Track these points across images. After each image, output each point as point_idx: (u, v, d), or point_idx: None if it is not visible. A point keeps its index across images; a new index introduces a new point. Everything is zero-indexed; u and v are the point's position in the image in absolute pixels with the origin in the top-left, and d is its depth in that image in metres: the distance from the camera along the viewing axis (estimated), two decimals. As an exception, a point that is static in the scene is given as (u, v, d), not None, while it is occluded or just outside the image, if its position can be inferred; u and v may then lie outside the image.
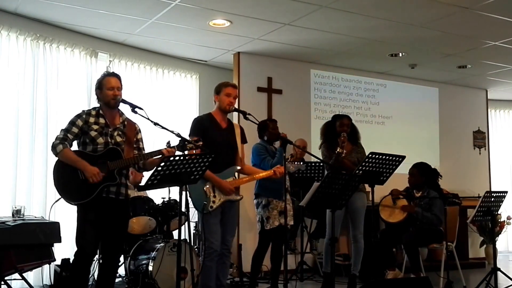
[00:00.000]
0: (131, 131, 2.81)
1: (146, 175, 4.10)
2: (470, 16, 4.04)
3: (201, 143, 2.72)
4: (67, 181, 2.63)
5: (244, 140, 3.25)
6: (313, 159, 4.32)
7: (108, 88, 2.74)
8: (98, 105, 2.82)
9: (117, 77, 2.81)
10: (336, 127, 3.91)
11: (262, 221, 3.62)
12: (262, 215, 3.62)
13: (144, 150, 2.88)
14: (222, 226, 3.07)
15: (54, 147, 2.65)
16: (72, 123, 2.71)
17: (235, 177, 3.15)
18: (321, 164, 4.27)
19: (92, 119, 2.73)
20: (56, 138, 2.68)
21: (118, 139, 2.74)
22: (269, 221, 3.58)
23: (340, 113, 4.30)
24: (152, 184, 2.54)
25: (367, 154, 3.34)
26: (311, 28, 4.38)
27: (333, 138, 3.87)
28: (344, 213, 3.82)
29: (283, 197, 3.53)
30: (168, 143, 2.76)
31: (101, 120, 2.74)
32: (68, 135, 2.68)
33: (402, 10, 3.98)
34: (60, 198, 2.73)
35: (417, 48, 4.95)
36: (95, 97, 2.83)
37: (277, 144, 3.78)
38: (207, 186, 2.98)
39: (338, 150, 3.68)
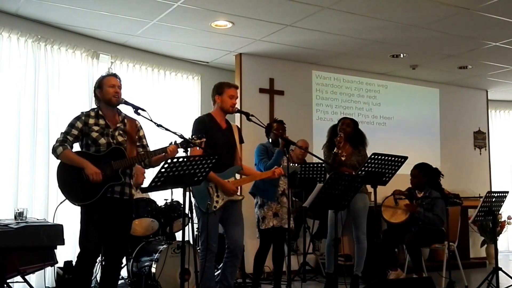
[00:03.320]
0: (132, 129, 2.81)
1: (148, 176, 4.11)
2: (470, 17, 4.05)
3: (204, 139, 2.73)
4: (71, 182, 2.64)
5: (241, 140, 3.26)
6: (315, 160, 4.33)
7: (109, 86, 2.74)
8: (96, 106, 2.81)
9: (117, 77, 2.83)
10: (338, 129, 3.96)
11: (258, 220, 3.64)
12: (258, 215, 3.64)
13: (148, 146, 2.88)
14: (230, 228, 3.07)
15: (54, 150, 2.66)
16: (72, 125, 2.71)
17: (235, 177, 3.15)
18: (323, 165, 4.29)
19: (92, 120, 2.73)
20: (56, 141, 2.68)
21: (120, 138, 2.74)
22: (265, 221, 3.59)
23: (344, 115, 4.34)
24: (156, 185, 2.54)
25: (369, 155, 3.35)
26: (313, 29, 4.38)
27: (334, 139, 3.91)
28: (346, 214, 3.83)
29: (276, 199, 3.57)
30: (171, 144, 2.76)
31: (101, 121, 2.74)
32: (68, 137, 2.68)
33: (403, 11, 3.99)
34: (64, 200, 2.73)
35: (418, 49, 4.96)
36: (94, 98, 2.82)
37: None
38: (211, 185, 2.98)
39: (335, 150, 3.72)
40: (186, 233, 3.13)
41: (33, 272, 3.38)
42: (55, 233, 3.07)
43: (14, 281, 3.29)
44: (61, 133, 2.72)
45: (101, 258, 3.02)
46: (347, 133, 3.89)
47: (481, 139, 6.56)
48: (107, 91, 2.74)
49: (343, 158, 3.72)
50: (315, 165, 4.50)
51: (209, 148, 2.92)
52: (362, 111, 5.75)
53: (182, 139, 2.72)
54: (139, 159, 2.74)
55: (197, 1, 3.77)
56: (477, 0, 3.74)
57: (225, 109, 3.13)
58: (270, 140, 3.82)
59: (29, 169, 4.00)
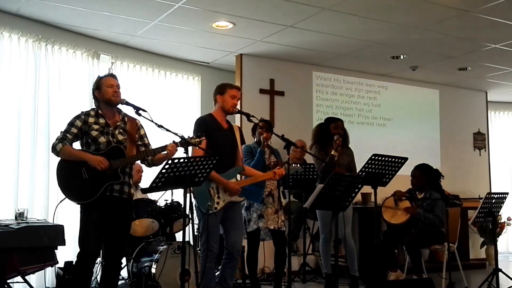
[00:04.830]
0: (132, 128, 2.81)
1: (149, 177, 4.11)
2: (470, 19, 4.06)
3: (203, 138, 2.73)
4: (71, 180, 2.64)
5: (243, 141, 3.25)
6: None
7: (107, 86, 2.75)
8: (95, 107, 2.82)
9: (114, 77, 2.84)
10: (330, 129, 3.99)
11: (245, 222, 3.58)
12: (245, 217, 3.58)
13: (150, 145, 2.87)
14: (230, 229, 3.06)
15: (54, 147, 2.66)
16: (71, 124, 2.72)
17: (237, 179, 3.14)
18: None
19: (91, 119, 2.73)
20: (56, 139, 2.69)
21: (120, 137, 2.74)
22: (250, 223, 3.56)
23: (334, 116, 4.38)
24: (156, 186, 2.54)
25: (370, 156, 3.36)
26: (313, 30, 4.39)
27: (326, 140, 3.94)
28: (332, 215, 3.82)
29: (262, 200, 3.52)
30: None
31: (101, 120, 2.74)
32: (68, 135, 2.69)
33: (403, 13, 4.00)
34: (64, 199, 2.73)
35: (418, 51, 4.97)
36: (93, 100, 2.83)
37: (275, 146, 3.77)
38: (212, 187, 2.98)
39: (332, 152, 3.76)
40: (187, 234, 3.13)
41: (33, 273, 3.39)
42: (55, 234, 3.07)
43: (14, 281, 3.29)
44: (61, 131, 2.73)
45: (101, 258, 3.02)
46: (342, 136, 3.95)
47: (480, 141, 6.57)
48: (106, 91, 2.74)
49: (335, 158, 3.75)
50: (315, 165, 4.50)
51: (210, 148, 2.92)
52: (362, 112, 5.76)
53: (182, 139, 2.72)
54: (139, 158, 2.74)
55: (198, 2, 3.78)
56: (477, 2, 3.75)
57: (226, 109, 3.12)
58: (256, 140, 3.78)
59: (30, 169, 3.99)
